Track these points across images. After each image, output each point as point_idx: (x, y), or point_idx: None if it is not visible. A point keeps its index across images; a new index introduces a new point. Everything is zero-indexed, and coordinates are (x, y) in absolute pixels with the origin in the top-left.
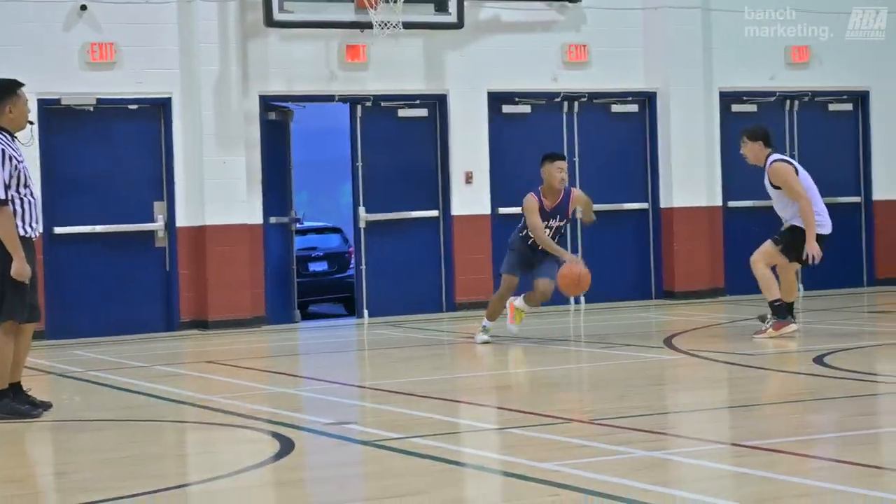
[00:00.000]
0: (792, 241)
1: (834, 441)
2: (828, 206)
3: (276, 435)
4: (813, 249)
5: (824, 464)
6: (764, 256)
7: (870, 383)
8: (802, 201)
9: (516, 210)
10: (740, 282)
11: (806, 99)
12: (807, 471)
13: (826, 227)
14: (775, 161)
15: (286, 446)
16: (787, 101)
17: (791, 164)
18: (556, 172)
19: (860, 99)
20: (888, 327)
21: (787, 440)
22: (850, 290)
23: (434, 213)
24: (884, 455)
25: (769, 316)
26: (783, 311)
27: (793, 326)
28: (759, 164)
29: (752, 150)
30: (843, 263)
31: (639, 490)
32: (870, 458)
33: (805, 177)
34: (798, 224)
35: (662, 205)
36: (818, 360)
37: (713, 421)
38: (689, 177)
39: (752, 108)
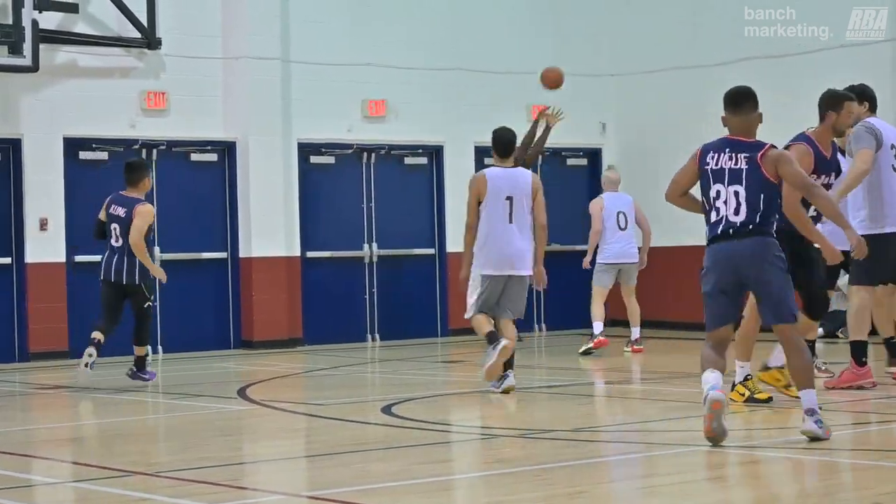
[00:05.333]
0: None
1: (393, 489)
2: (411, 257)
3: None
4: None
5: None
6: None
7: (434, 432)
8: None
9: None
10: (319, 331)
11: (383, 152)
12: None
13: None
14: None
15: None
16: (365, 154)
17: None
18: None
19: (434, 153)
20: (457, 377)
21: (349, 489)
22: (425, 339)
23: (7, 260)
24: (440, 501)
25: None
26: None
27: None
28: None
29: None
30: (418, 314)
31: None
32: None
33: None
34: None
35: (242, 254)
36: (386, 409)
37: (278, 472)
38: (269, 227)
39: (331, 159)
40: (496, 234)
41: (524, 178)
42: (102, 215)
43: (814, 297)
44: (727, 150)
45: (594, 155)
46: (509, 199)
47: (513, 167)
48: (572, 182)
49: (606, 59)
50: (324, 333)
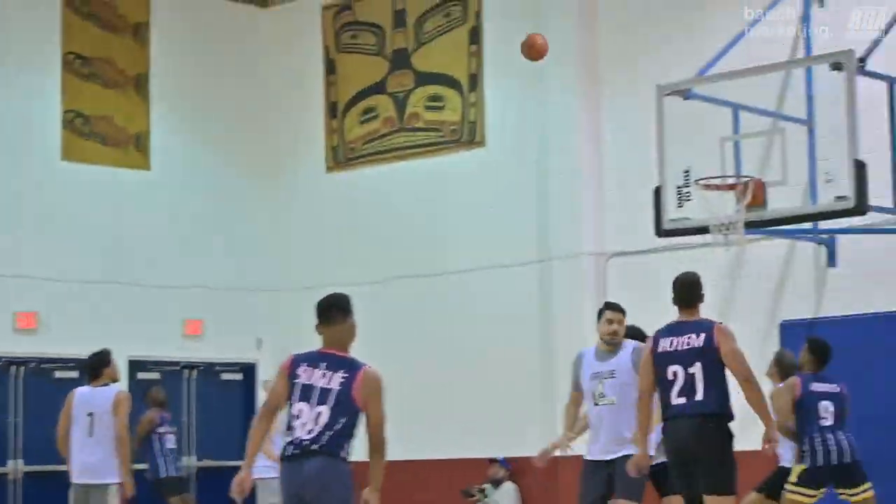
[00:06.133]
0: None
1: None
2: (59, 473)
3: None
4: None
5: None
6: None
7: None
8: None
9: None
10: None
11: (32, 365)
12: None
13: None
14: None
15: None
16: (13, 367)
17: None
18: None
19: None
20: None
21: None
22: None
23: None
24: None
25: None
26: None
27: None
28: None
29: None
30: None
31: None
32: None
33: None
34: None
35: None
36: None
37: None
38: None
39: None
40: (78, 447)
41: (106, 396)
42: None
43: None
44: (323, 364)
45: (249, 370)
46: (90, 415)
47: (104, 385)
48: (227, 397)
49: (263, 275)
50: None
